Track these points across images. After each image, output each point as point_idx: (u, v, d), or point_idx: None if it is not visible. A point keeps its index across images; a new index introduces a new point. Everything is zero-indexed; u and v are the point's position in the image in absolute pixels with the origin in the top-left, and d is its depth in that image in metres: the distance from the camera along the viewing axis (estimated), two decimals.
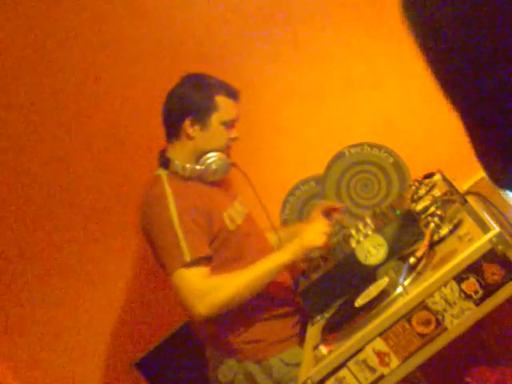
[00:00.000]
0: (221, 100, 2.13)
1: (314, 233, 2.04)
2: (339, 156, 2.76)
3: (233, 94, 2.17)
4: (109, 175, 2.68)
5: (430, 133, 2.74)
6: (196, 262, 1.97)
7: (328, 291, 1.99)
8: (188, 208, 2.03)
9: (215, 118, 2.12)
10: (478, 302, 1.52)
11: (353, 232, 1.96)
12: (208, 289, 1.97)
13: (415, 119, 2.74)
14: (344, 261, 1.96)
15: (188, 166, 2.11)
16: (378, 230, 1.94)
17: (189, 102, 2.11)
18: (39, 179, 2.66)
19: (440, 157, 2.70)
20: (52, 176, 2.66)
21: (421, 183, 2.22)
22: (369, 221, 2.03)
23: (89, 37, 2.63)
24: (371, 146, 2.75)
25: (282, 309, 2.18)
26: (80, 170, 2.67)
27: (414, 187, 2.22)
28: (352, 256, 1.90)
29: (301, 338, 2.12)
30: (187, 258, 1.95)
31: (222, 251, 2.09)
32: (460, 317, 1.53)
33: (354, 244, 1.93)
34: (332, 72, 2.73)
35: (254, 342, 2.12)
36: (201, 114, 2.10)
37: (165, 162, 2.15)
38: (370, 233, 1.93)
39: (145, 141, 2.64)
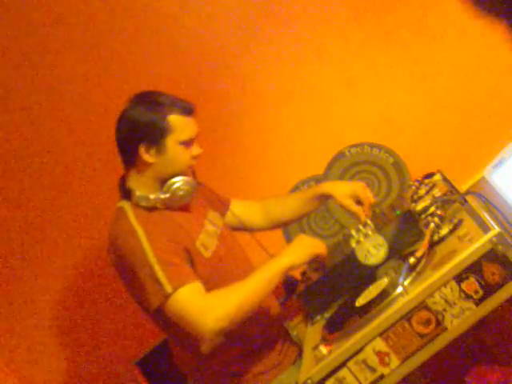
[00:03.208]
0: (175, 119, 1.97)
1: (313, 240, 1.99)
2: (339, 156, 2.76)
3: (187, 110, 2.00)
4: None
5: (430, 133, 2.74)
6: (181, 287, 1.83)
7: (328, 291, 1.99)
8: (161, 240, 1.89)
9: (171, 140, 1.96)
10: (478, 302, 1.52)
11: (353, 232, 1.96)
12: (210, 303, 1.82)
13: (415, 119, 2.74)
14: (344, 261, 1.97)
15: (152, 196, 1.97)
16: (377, 229, 1.94)
17: (140, 127, 1.95)
18: None
19: (440, 157, 2.71)
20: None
21: (421, 183, 2.23)
22: (369, 221, 2.03)
23: (86, 40, 2.63)
24: (371, 146, 2.75)
25: (261, 338, 2.03)
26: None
27: (414, 187, 2.22)
28: (352, 256, 1.90)
29: (293, 357, 2.06)
30: (169, 290, 1.81)
31: (204, 282, 1.90)
32: (460, 317, 1.53)
33: (353, 244, 1.92)
34: (332, 72, 2.73)
35: (242, 373, 1.99)
36: (154, 138, 1.95)
37: (126, 194, 2.00)
38: (370, 233, 1.93)
39: None
